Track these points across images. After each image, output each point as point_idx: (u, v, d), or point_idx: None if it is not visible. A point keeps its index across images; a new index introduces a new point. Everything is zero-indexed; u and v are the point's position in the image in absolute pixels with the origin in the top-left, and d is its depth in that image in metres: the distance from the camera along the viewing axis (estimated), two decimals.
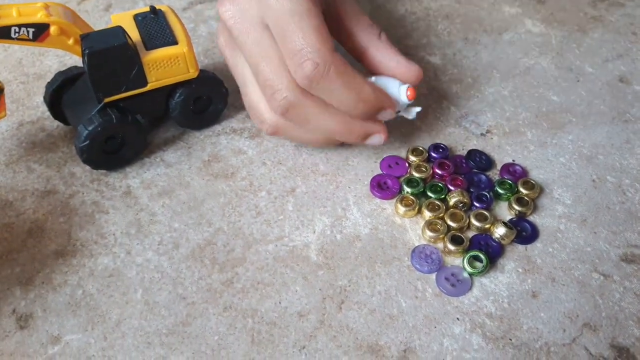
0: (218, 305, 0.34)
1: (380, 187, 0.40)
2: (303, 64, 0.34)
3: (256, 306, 0.34)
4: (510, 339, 0.33)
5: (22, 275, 0.35)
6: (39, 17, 0.36)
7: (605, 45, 0.52)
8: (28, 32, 0.36)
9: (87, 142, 0.38)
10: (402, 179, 0.40)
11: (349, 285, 0.35)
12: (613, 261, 0.36)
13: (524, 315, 0.34)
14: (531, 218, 0.39)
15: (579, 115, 0.45)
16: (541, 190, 0.40)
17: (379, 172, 0.41)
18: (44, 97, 0.42)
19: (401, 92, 0.38)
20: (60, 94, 0.41)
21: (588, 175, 0.41)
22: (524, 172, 0.41)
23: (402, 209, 0.38)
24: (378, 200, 0.40)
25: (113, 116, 0.38)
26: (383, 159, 0.42)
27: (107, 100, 0.38)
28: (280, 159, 0.42)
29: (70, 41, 0.37)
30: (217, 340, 0.33)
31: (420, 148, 0.42)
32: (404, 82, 0.38)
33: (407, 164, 0.41)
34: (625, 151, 0.43)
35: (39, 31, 0.36)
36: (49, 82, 0.41)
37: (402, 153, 0.42)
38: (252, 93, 0.39)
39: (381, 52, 0.38)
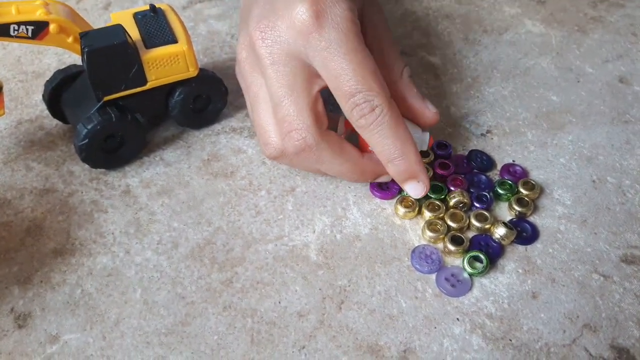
0: (217, 305, 0.34)
1: (380, 187, 0.40)
2: (362, 105, 0.34)
3: (256, 306, 0.34)
4: (510, 340, 0.33)
5: (21, 274, 0.35)
6: (38, 14, 0.36)
7: (605, 45, 0.52)
8: (27, 29, 0.36)
9: (86, 140, 0.38)
10: None
11: (349, 285, 0.35)
12: (613, 262, 0.36)
13: (524, 316, 0.34)
14: (531, 218, 0.39)
15: (579, 116, 0.45)
16: (541, 190, 0.40)
17: None
18: (43, 96, 0.42)
19: (424, 141, 0.38)
20: (60, 92, 0.41)
21: (588, 175, 0.41)
22: (524, 173, 0.41)
23: (402, 210, 0.38)
24: (378, 200, 0.39)
25: (112, 115, 0.38)
26: None
27: (106, 98, 0.38)
28: None
29: (70, 39, 0.37)
30: (216, 340, 0.33)
31: None
32: (418, 124, 0.38)
33: None
34: (626, 152, 0.43)
35: (38, 29, 0.36)
36: (48, 81, 0.41)
37: None
38: (262, 114, 0.37)
39: (400, 92, 0.38)
